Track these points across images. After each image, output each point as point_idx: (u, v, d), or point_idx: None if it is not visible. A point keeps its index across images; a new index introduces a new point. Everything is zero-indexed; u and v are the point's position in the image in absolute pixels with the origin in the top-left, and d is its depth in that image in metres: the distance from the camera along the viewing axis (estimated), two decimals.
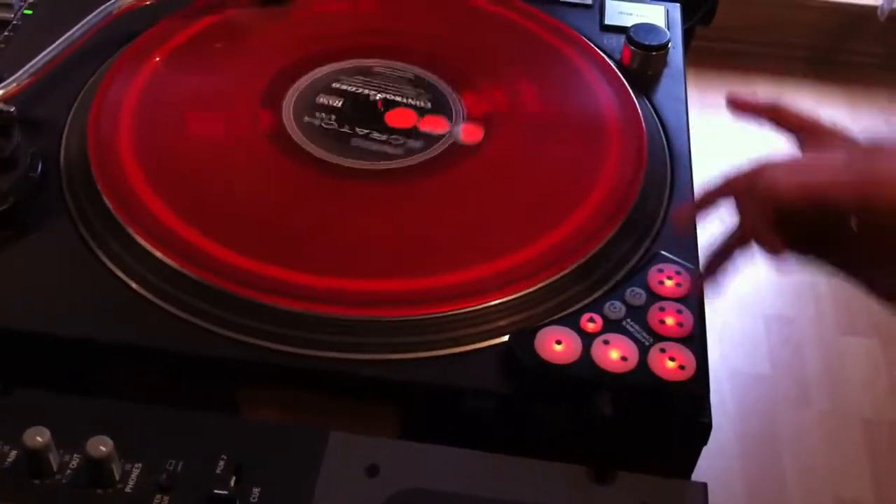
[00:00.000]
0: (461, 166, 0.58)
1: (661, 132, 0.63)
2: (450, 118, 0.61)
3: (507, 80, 0.65)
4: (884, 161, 0.43)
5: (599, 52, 0.67)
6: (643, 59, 0.67)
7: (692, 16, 1.36)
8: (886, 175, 0.42)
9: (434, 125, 0.61)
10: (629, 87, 0.64)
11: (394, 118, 0.61)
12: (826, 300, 1.52)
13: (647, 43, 0.66)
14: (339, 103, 0.61)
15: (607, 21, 0.71)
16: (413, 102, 0.62)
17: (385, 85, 0.63)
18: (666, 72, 0.67)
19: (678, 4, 0.74)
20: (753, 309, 1.51)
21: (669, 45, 0.67)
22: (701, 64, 1.94)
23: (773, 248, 0.46)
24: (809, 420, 1.37)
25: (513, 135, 0.61)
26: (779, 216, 0.46)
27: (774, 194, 0.45)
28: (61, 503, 0.42)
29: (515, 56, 0.67)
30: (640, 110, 0.62)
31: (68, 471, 0.43)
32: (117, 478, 0.42)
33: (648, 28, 0.67)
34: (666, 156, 0.61)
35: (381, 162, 0.58)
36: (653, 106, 0.65)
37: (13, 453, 0.43)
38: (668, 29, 0.69)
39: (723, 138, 1.61)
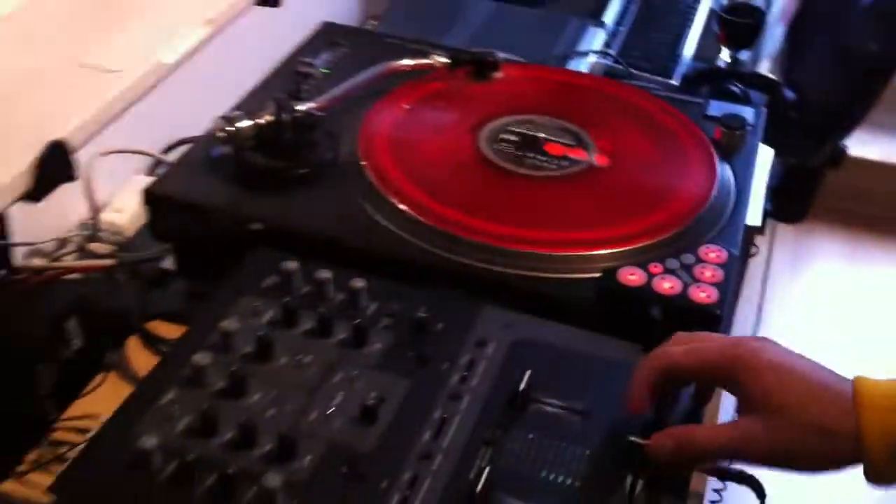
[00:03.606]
0: (596, 182, 0.90)
1: (733, 183, 0.93)
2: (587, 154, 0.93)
3: (632, 140, 0.97)
4: (742, 348, 0.64)
5: (699, 129, 0.98)
6: (727, 136, 0.97)
7: (813, 153, 1.63)
8: (744, 354, 0.63)
9: (577, 154, 0.93)
10: (714, 151, 0.95)
11: (551, 149, 0.93)
12: None
13: (731, 125, 0.97)
14: (515, 137, 0.94)
15: (709, 113, 1.02)
16: (564, 142, 0.94)
17: (546, 131, 0.96)
18: (744, 148, 0.97)
19: (764, 109, 1.04)
20: None
21: (747, 128, 0.97)
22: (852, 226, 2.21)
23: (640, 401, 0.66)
24: None
25: (632, 169, 0.92)
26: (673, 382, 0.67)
27: (670, 359, 0.66)
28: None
29: (642, 128, 0.99)
30: (717, 164, 0.93)
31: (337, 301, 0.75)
32: (367, 309, 0.75)
33: (735, 115, 0.98)
34: (731, 196, 0.91)
35: (544, 172, 0.90)
36: (732, 168, 0.95)
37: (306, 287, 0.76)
38: (752, 120, 1.00)
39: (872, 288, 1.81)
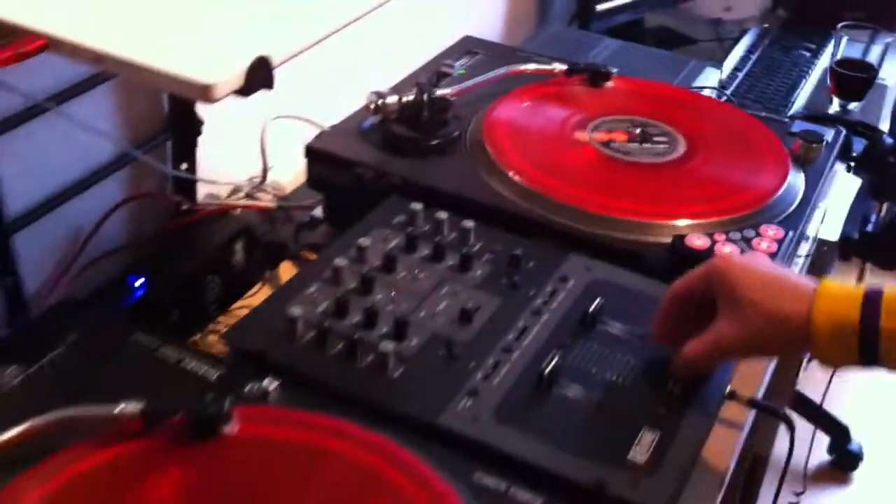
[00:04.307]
0: (681, 171, 1.06)
1: (802, 186, 1.07)
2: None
3: (718, 143, 1.12)
4: (716, 259, 0.80)
5: (779, 139, 1.13)
6: (804, 149, 1.11)
7: None
8: (717, 263, 0.79)
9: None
10: (790, 159, 1.09)
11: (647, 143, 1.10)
12: None
13: (808, 138, 1.11)
14: (617, 131, 1.11)
15: (792, 130, 1.16)
16: (658, 139, 1.10)
17: (642, 128, 1.12)
18: (818, 160, 1.11)
19: (843, 131, 1.18)
20: None
21: (823, 143, 1.11)
22: None
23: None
24: None
25: (715, 165, 1.07)
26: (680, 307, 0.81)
27: (672, 286, 0.82)
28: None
29: (728, 134, 1.14)
30: (789, 168, 1.07)
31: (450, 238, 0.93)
32: (473, 246, 0.92)
33: (813, 131, 1.12)
34: (798, 196, 1.05)
35: (632, 158, 1.07)
36: (805, 175, 1.09)
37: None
38: (830, 139, 1.13)
39: None
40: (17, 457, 0.67)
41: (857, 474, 2.08)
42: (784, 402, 1.26)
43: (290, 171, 1.20)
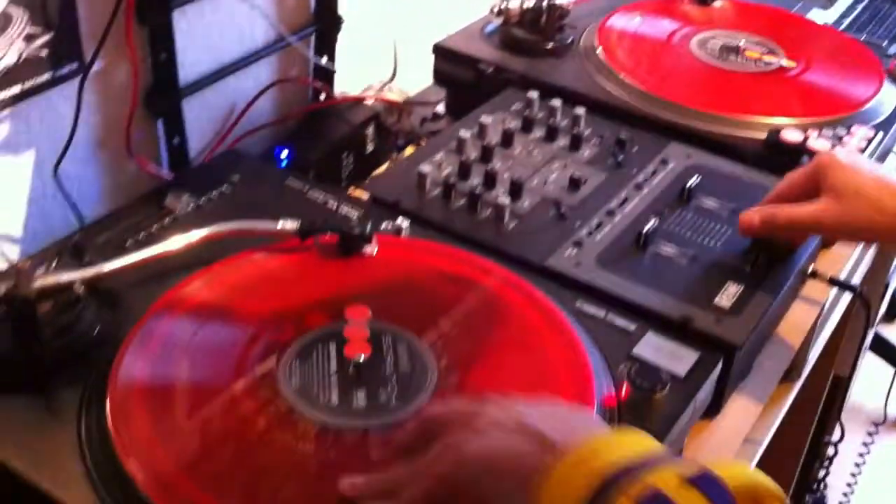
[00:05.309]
0: (780, 79, 1.14)
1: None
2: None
3: (817, 57, 1.19)
4: (820, 156, 0.86)
5: (877, 58, 1.20)
6: None
7: None
8: (823, 158, 0.85)
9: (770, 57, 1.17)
10: (883, 74, 1.16)
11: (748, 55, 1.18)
12: None
13: None
14: (720, 43, 1.19)
15: (890, 52, 1.23)
16: (761, 51, 1.18)
17: (747, 43, 1.20)
18: None
19: None
20: None
21: None
22: None
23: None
24: None
25: (813, 76, 1.15)
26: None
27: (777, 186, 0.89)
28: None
29: (828, 51, 1.22)
30: (883, 82, 1.14)
31: (563, 123, 1.03)
32: (584, 130, 1.02)
33: None
34: (889, 109, 1.12)
35: (738, 68, 1.15)
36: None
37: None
38: None
39: None
40: (194, 260, 0.80)
41: None
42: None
43: (414, 81, 1.31)
